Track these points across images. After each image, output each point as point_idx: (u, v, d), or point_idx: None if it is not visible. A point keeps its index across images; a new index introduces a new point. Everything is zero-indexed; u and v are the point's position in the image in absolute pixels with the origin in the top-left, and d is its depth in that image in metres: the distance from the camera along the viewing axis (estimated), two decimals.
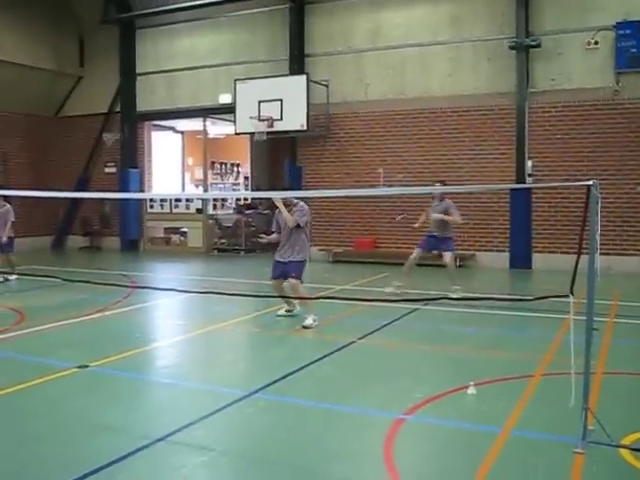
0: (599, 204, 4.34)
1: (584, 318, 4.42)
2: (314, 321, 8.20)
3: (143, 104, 19.15)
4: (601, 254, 4.41)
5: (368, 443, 4.58)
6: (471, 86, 14.94)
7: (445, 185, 11.77)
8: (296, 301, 8.68)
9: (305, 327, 8.13)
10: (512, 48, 14.19)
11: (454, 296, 9.83)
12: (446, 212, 10.66)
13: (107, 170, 19.94)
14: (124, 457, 4.23)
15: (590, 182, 4.25)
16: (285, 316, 8.82)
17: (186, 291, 9.93)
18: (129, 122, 19.17)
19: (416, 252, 10.88)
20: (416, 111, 15.51)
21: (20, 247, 17.23)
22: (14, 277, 12.38)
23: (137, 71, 19.18)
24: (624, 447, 4.35)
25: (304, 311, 8.46)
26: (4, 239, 12.28)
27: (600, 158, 13.71)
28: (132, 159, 19.26)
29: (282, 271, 8.46)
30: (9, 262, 12.47)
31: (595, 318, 4.53)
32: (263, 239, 8.87)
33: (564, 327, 8.03)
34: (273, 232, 8.69)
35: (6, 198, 12.43)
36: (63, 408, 5.31)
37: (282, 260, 8.48)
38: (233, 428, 4.96)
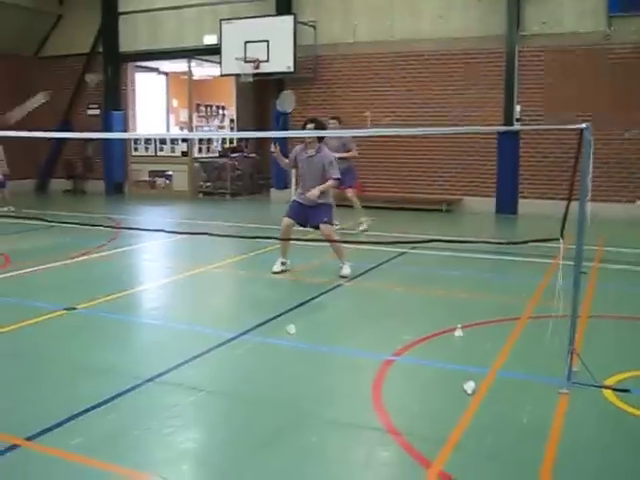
0: (592, 148, 4.31)
1: (571, 263, 4.45)
2: (349, 268, 7.86)
3: (126, 44, 18.70)
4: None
5: (357, 384, 4.63)
6: (461, 29, 14.70)
7: None
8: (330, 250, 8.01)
9: (343, 277, 7.73)
10: None
11: None
12: None
13: (90, 112, 19.57)
14: (115, 397, 4.25)
15: (583, 125, 4.22)
16: (282, 272, 7.99)
17: (174, 232, 9.88)
18: (112, 63, 18.75)
19: None
20: (404, 53, 15.28)
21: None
22: (5, 209, 13.79)
23: (119, 10, 18.68)
24: (607, 388, 4.43)
25: (341, 261, 7.88)
26: (0, 177, 13.92)
27: (589, 103, 13.62)
28: (115, 101, 18.92)
29: (304, 215, 7.85)
30: (3, 198, 14.04)
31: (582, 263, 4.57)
32: (275, 149, 8.01)
33: (550, 271, 8.11)
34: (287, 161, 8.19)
35: None
36: (53, 350, 5.31)
37: (304, 202, 7.84)
38: (222, 369, 4.99)
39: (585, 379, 4.44)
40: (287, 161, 8.19)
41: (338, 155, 10.70)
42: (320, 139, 7.89)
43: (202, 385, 4.54)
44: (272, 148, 8.13)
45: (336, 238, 7.98)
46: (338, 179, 7.89)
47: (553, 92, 13.97)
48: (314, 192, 7.67)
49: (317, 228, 7.94)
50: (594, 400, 4.29)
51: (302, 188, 8.02)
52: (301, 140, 8.40)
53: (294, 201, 8.11)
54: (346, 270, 7.85)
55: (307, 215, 7.90)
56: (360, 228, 11.04)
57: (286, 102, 15.73)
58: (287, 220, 7.97)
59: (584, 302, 6.27)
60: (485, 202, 14.65)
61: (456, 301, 7.00)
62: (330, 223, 7.95)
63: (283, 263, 8.08)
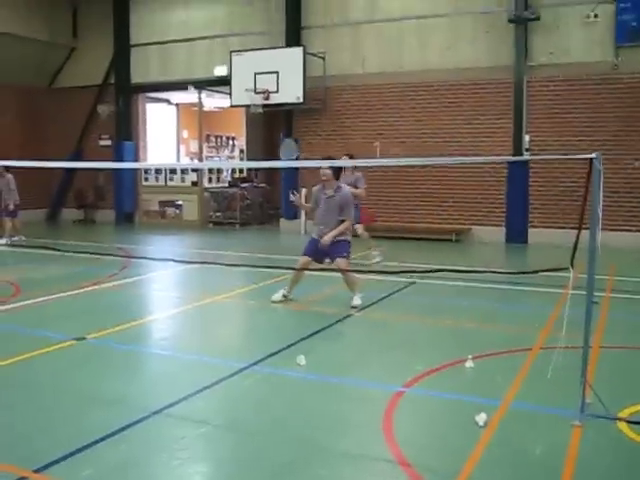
0: (602, 178, 4.31)
1: (582, 292, 4.42)
2: (360, 299, 7.85)
3: (137, 76, 18.96)
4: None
5: (367, 416, 4.59)
6: (469, 59, 14.82)
7: None
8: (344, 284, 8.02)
9: (354, 307, 7.71)
10: (511, 21, 14.08)
11: None
12: None
13: (102, 143, 19.79)
14: (125, 428, 4.23)
15: (593, 155, 4.22)
16: (281, 302, 8.02)
17: (184, 261, 9.90)
18: (123, 94, 19.00)
19: None
20: (413, 84, 15.40)
21: None
22: (16, 238, 14.08)
23: (131, 42, 18.97)
24: (621, 420, 4.37)
25: (352, 292, 7.88)
26: (11, 206, 13.98)
27: (598, 133, 13.66)
28: (127, 132, 19.13)
29: (322, 251, 7.84)
30: (14, 227, 14.19)
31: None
32: (295, 197, 8.21)
33: (561, 301, 8.05)
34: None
35: (6, 168, 13.72)
36: (62, 380, 5.30)
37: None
38: (232, 400, 4.96)
39: (598, 411, 4.38)
40: (309, 205, 8.23)
41: None
42: (337, 176, 7.96)
43: (211, 417, 4.51)
44: (292, 198, 8.22)
45: (351, 273, 7.98)
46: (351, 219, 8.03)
47: (562, 122, 14.01)
48: (327, 238, 7.76)
49: (333, 262, 7.95)
50: (608, 432, 4.24)
51: (319, 225, 8.06)
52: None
53: (312, 238, 8.12)
54: (357, 301, 7.84)
55: (325, 251, 7.88)
56: (374, 261, 10.96)
57: (288, 151, 16.01)
58: (305, 259, 7.96)
59: (596, 332, 6.22)
60: (495, 231, 14.63)
61: (466, 331, 6.95)
62: (347, 258, 7.98)
63: (285, 296, 8.08)
